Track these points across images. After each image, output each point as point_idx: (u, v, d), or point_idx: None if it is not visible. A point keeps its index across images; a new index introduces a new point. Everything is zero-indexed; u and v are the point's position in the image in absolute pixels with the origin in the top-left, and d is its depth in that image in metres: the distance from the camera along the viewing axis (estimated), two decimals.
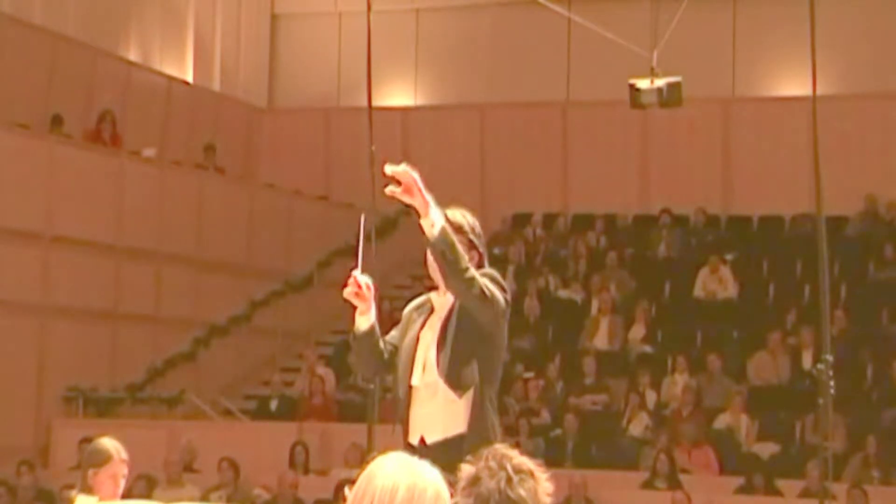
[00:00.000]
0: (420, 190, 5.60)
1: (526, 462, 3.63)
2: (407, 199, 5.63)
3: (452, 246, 5.68)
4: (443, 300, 6.03)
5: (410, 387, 5.96)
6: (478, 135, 22.63)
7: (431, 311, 6.04)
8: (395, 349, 6.11)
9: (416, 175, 5.61)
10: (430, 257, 5.88)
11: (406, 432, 5.95)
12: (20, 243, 16.73)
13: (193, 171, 20.12)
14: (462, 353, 5.86)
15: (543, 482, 3.61)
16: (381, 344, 6.09)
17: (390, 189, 5.65)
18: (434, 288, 6.12)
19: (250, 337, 19.51)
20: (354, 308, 6.04)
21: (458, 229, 5.93)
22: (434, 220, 5.64)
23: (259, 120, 23.59)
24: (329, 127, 23.20)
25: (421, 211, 5.64)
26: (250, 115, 23.38)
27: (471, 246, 5.98)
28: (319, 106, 23.42)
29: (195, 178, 19.81)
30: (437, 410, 5.88)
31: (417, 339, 6.01)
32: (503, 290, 5.92)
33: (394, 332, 6.19)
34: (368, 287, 5.94)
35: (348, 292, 5.96)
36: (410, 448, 5.75)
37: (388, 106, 22.25)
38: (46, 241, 17.04)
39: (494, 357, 5.96)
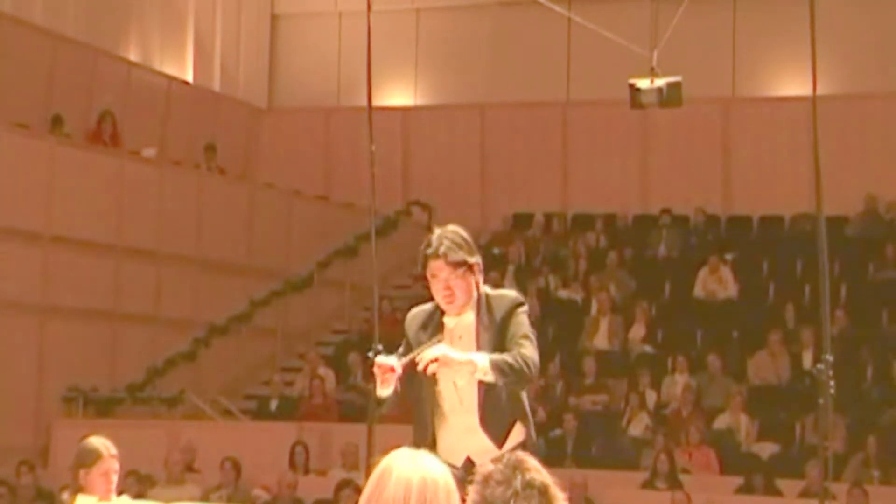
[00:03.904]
0: (453, 359, 5.69)
1: (540, 478, 3.56)
2: (449, 370, 5.74)
3: (509, 369, 5.77)
4: (459, 322, 5.99)
5: (434, 412, 5.99)
6: (478, 135, 22.62)
7: (441, 328, 6.01)
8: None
9: (443, 350, 5.71)
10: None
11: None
12: (20, 243, 16.72)
13: (193, 171, 20.11)
14: (503, 410, 5.95)
15: (559, 502, 3.55)
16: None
17: (432, 368, 5.73)
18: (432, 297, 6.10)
19: (250, 337, 19.50)
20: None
21: (463, 263, 5.92)
22: (481, 368, 5.71)
23: (259, 120, 23.59)
24: (329, 127, 23.21)
25: (469, 371, 5.73)
26: (250, 115, 23.38)
27: (479, 269, 6.01)
28: (319, 106, 23.42)
29: (195, 178, 19.79)
30: (483, 436, 5.96)
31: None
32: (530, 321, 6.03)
33: (403, 354, 6.15)
34: (393, 370, 5.93)
35: (382, 387, 5.92)
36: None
37: (388, 106, 22.26)
38: (46, 241, 17.02)
39: None
